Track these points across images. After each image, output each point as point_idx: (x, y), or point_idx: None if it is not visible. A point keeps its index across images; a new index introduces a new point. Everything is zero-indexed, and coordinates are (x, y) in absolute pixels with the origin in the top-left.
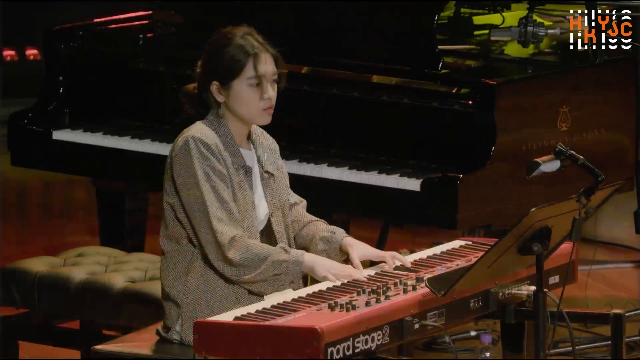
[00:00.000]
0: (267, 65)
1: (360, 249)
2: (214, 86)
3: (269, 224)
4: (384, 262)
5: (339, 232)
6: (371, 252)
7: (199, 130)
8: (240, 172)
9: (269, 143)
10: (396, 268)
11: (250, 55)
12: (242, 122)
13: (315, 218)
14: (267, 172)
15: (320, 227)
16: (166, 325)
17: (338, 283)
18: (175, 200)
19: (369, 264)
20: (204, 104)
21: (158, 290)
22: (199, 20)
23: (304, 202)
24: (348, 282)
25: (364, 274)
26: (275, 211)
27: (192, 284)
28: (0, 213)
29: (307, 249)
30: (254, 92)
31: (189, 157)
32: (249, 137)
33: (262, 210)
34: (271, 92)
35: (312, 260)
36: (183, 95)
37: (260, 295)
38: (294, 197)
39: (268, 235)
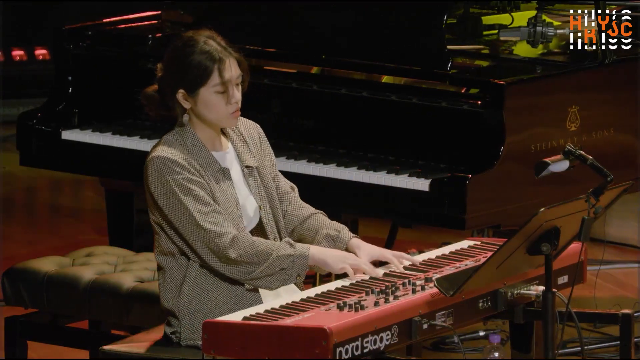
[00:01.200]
0: (232, 70)
1: (368, 251)
2: (180, 94)
3: (260, 219)
4: (389, 262)
5: (345, 231)
6: (378, 252)
7: (162, 150)
8: (218, 176)
9: (249, 132)
10: (405, 268)
11: (215, 61)
12: (210, 126)
13: (314, 210)
14: (247, 166)
15: (323, 223)
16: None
17: (356, 278)
18: (160, 219)
19: (378, 264)
20: (166, 108)
21: None
22: (208, 20)
23: (295, 188)
24: (358, 282)
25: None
26: (263, 203)
27: (188, 294)
28: (10, 213)
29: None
30: (221, 98)
31: (160, 177)
32: (224, 134)
33: (251, 206)
34: (237, 95)
35: (321, 252)
36: (143, 98)
37: (259, 301)
38: (285, 184)
39: (261, 229)
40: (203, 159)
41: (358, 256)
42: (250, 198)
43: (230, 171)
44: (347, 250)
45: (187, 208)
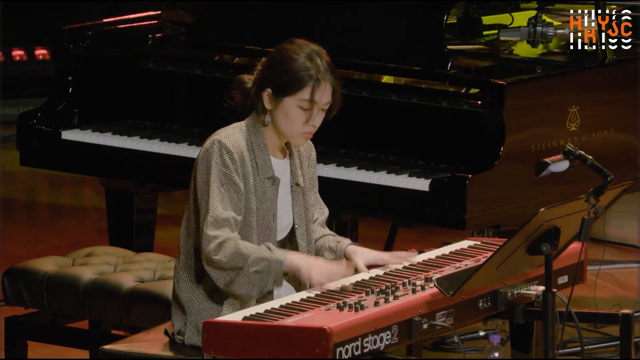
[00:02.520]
0: (324, 94)
1: (363, 255)
2: (267, 92)
3: (291, 235)
4: (387, 263)
5: (344, 240)
6: (373, 256)
7: (228, 135)
8: (266, 183)
9: (306, 151)
10: (405, 268)
11: (312, 79)
12: (279, 134)
13: (327, 232)
14: (297, 184)
15: (328, 239)
16: (172, 328)
17: (312, 294)
18: (194, 204)
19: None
20: (249, 98)
21: (167, 290)
22: (208, 20)
23: (325, 214)
24: (356, 282)
25: (372, 274)
26: (301, 224)
27: (203, 292)
28: (10, 213)
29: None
30: (301, 115)
31: (209, 159)
32: (285, 144)
33: (285, 220)
34: (318, 120)
35: (297, 260)
36: (235, 82)
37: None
38: (317, 212)
39: (290, 246)
40: (261, 161)
41: (354, 261)
42: (288, 213)
43: (280, 181)
44: (345, 256)
45: (209, 196)
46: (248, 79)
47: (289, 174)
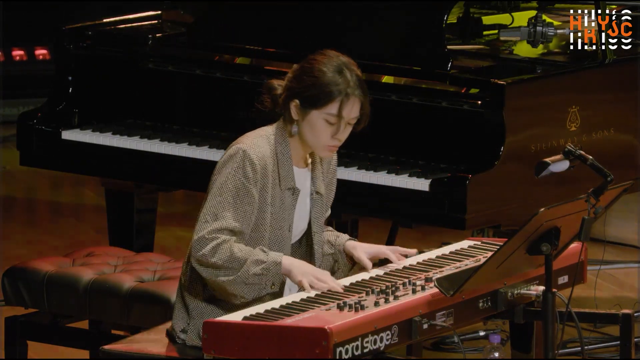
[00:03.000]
0: (352, 109)
1: (364, 249)
2: (294, 103)
3: (308, 240)
4: (388, 258)
5: (342, 236)
6: (374, 250)
7: (254, 145)
8: (286, 193)
9: (328, 159)
10: (405, 268)
11: (341, 94)
12: (304, 144)
13: (328, 228)
14: (317, 192)
15: (327, 233)
16: (173, 328)
17: (312, 294)
18: None
19: (377, 263)
20: (277, 105)
21: (167, 290)
22: (208, 20)
23: (327, 212)
24: (356, 282)
25: (372, 273)
26: (318, 230)
27: (211, 295)
28: (10, 213)
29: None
30: (328, 128)
31: (231, 166)
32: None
33: (300, 227)
34: (344, 135)
35: (290, 263)
36: (265, 87)
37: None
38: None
39: (304, 252)
40: (284, 171)
41: (355, 255)
42: (304, 220)
43: (300, 192)
44: (344, 252)
45: (221, 200)
46: (278, 85)
47: (309, 182)
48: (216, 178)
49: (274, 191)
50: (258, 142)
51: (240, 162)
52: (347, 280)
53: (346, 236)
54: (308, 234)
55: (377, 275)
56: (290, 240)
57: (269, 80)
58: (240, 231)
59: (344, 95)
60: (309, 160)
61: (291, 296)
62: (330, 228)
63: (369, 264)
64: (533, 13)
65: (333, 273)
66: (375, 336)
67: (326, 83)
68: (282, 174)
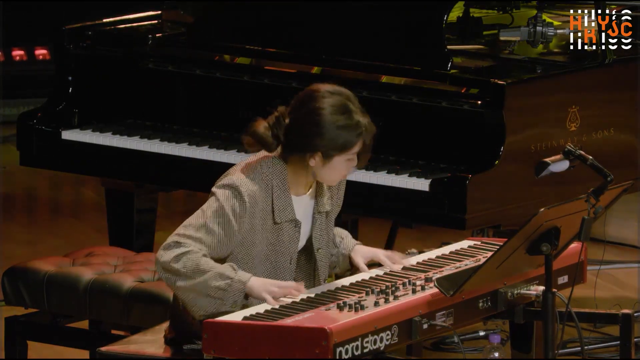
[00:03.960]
0: (368, 139)
1: (361, 253)
2: (317, 156)
3: (309, 257)
4: (381, 262)
5: (348, 238)
6: (371, 254)
7: (245, 182)
8: (288, 226)
9: None
10: (405, 268)
11: (360, 135)
12: (310, 175)
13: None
14: (319, 212)
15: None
16: (172, 330)
17: (276, 305)
18: None
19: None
20: (270, 145)
21: (167, 290)
22: (208, 20)
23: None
24: (356, 282)
25: (372, 273)
26: (322, 246)
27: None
28: (10, 213)
29: None
30: (348, 166)
31: (220, 195)
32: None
33: (300, 244)
34: (355, 162)
35: (253, 283)
36: (250, 134)
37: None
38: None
39: (313, 271)
40: (282, 204)
41: (353, 259)
42: (303, 239)
43: (302, 224)
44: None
45: (205, 225)
46: (264, 127)
47: (311, 205)
48: (206, 202)
49: (265, 227)
50: (252, 177)
51: (230, 196)
52: (347, 280)
53: (354, 241)
54: (309, 250)
55: (377, 275)
56: (292, 273)
57: (255, 129)
58: (209, 253)
59: (361, 135)
60: (312, 184)
61: (291, 297)
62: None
63: (365, 270)
64: (533, 13)
65: (332, 269)
66: (375, 336)
67: (344, 134)
68: (279, 208)
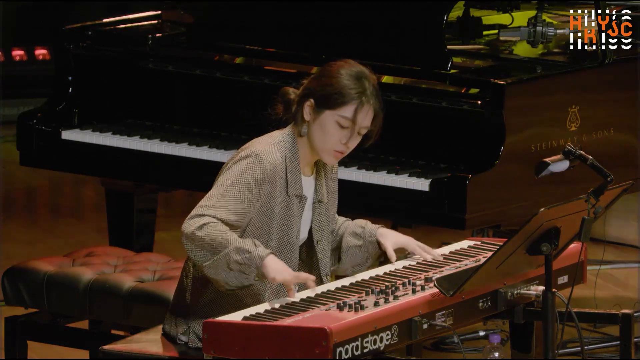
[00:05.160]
0: (366, 117)
1: (393, 239)
2: (309, 103)
3: (310, 250)
4: (413, 251)
5: (369, 224)
6: (403, 240)
7: (267, 151)
8: (294, 200)
9: (331, 166)
10: (405, 267)
11: (358, 99)
12: (312, 150)
13: (343, 218)
14: (319, 201)
15: (348, 224)
16: (175, 329)
17: (311, 294)
18: None
19: (403, 257)
20: (290, 110)
21: (167, 290)
22: (208, 20)
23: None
24: (355, 282)
25: (372, 273)
26: (321, 239)
27: (210, 296)
28: (10, 213)
29: (339, 250)
30: (338, 132)
31: (241, 164)
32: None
33: (302, 235)
34: (353, 142)
35: (269, 261)
36: (280, 94)
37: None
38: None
39: (314, 263)
40: (293, 178)
41: (383, 244)
42: (305, 229)
43: (307, 200)
44: (375, 241)
45: (226, 196)
46: (293, 92)
47: (312, 190)
48: (223, 173)
49: (281, 198)
50: (270, 148)
51: (252, 164)
52: (347, 280)
53: (373, 225)
54: (309, 243)
55: (377, 275)
56: (298, 247)
57: (284, 87)
58: (233, 225)
59: (360, 101)
60: (313, 170)
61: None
62: (347, 218)
63: (394, 257)
64: (533, 13)
65: (362, 265)
66: (375, 336)
67: (344, 85)
68: (291, 181)
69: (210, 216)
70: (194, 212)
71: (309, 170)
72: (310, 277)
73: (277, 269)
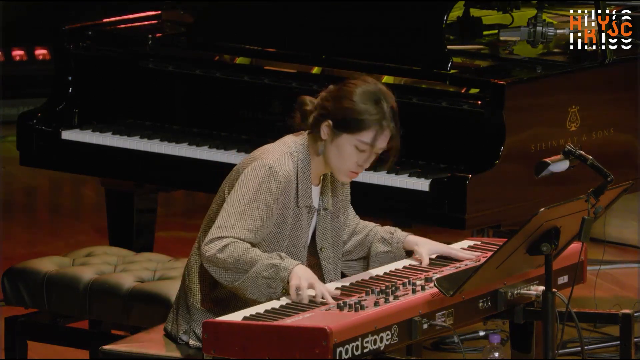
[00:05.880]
0: (384, 141)
1: (428, 247)
2: (327, 124)
3: (315, 257)
4: (455, 257)
5: (398, 232)
6: (437, 248)
7: (280, 162)
8: (303, 211)
9: None
10: (405, 267)
11: (378, 124)
12: (324, 164)
13: (372, 224)
14: (325, 209)
15: (377, 230)
16: (176, 329)
17: (298, 299)
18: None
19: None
20: (306, 121)
21: (167, 290)
22: (208, 20)
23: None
24: (356, 282)
25: (372, 273)
26: (325, 245)
27: (215, 297)
28: (10, 213)
29: (365, 255)
30: (355, 155)
31: (255, 178)
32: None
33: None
34: (368, 163)
35: (296, 269)
36: (298, 102)
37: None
38: (353, 218)
39: (318, 270)
40: (303, 189)
41: (417, 252)
42: (307, 235)
43: (315, 210)
44: (404, 248)
45: (243, 214)
46: (310, 101)
47: (318, 199)
48: (238, 188)
49: (292, 208)
50: (283, 158)
51: (266, 177)
52: (347, 281)
53: (402, 233)
54: (313, 250)
55: (377, 275)
56: (306, 258)
57: (302, 96)
58: (252, 242)
59: (380, 125)
60: (320, 181)
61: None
62: (376, 224)
63: (427, 263)
64: (533, 13)
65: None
66: (375, 336)
67: (363, 110)
68: (301, 192)
69: (230, 237)
70: (213, 234)
71: (318, 181)
72: (335, 294)
73: (305, 276)
